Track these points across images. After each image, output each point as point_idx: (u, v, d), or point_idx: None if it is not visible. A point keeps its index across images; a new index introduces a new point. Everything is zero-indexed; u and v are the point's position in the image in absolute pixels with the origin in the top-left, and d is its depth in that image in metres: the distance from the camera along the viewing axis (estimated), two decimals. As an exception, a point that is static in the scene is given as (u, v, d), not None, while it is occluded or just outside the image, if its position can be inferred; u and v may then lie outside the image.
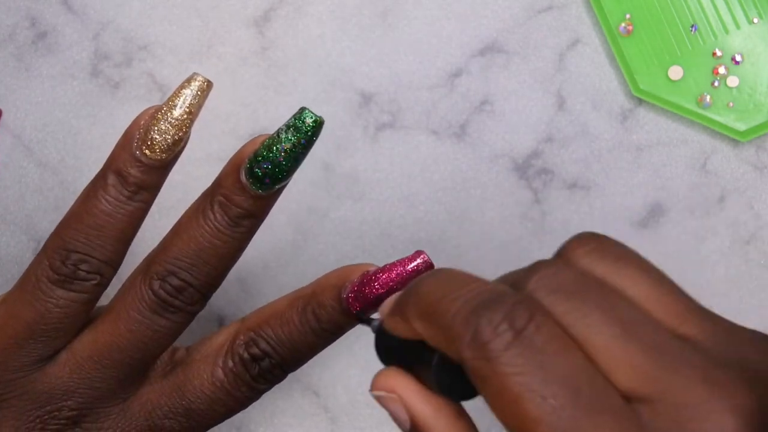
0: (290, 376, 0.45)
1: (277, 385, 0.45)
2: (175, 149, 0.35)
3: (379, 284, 0.36)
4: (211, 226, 0.36)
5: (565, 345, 0.25)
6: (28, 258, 0.46)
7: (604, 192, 0.46)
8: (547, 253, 0.46)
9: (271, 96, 0.46)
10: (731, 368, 0.25)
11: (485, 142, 0.46)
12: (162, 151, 0.35)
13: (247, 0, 0.47)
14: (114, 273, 0.36)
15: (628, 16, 0.45)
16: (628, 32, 0.45)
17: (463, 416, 0.29)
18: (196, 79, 0.35)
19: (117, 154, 0.35)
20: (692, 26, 0.45)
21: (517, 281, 0.27)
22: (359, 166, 0.46)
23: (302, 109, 0.34)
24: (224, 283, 0.46)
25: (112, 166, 0.35)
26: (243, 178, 0.35)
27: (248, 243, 0.37)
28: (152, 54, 0.46)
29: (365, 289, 0.36)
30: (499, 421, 0.25)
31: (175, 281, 0.36)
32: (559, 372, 0.25)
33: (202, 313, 0.40)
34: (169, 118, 0.35)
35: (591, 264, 0.27)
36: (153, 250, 0.37)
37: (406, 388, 0.29)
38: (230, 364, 0.37)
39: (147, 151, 0.35)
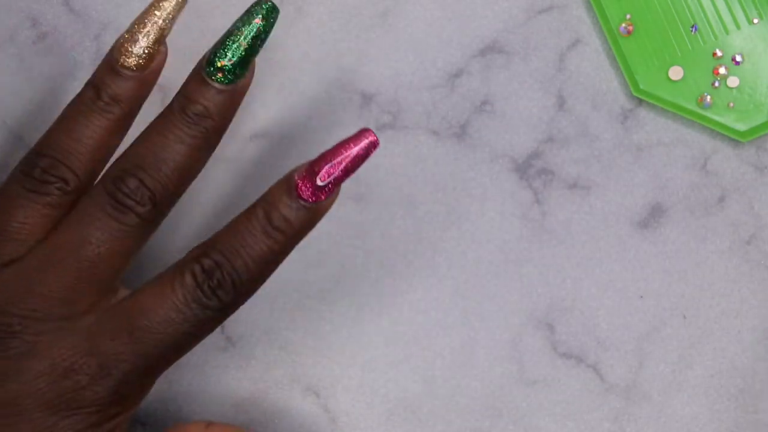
0: (290, 376, 0.45)
1: (277, 385, 0.45)
2: (147, 59, 0.37)
3: (327, 162, 0.35)
4: (167, 120, 0.36)
5: None
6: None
7: (605, 192, 0.46)
8: (547, 252, 0.46)
9: (271, 96, 0.46)
10: None
11: (485, 142, 0.46)
12: (133, 58, 0.37)
13: (247, 0, 0.47)
14: (79, 185, 0.36)
15: (628, 16, 0.45)
16: (629, 32, 0.45)
17: None
18: None
19: (97, 68, 0.37)
20: (692, 26, 0.45)
21: None
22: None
23: None
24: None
25: (91, 79, 0.37)
26: (203, 71, 0.36)
27: (206, 156, 0.37)
28: (153, 54, 0.46)
29: (314, 168, 0.36)
30: None
31: (128, 179, 0.36)
32: None
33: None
34: (142, 28, 0.37)
35: None
36: None
37: None
38: (178, 277, 0.35)
39: (120, 59, 0.37)
